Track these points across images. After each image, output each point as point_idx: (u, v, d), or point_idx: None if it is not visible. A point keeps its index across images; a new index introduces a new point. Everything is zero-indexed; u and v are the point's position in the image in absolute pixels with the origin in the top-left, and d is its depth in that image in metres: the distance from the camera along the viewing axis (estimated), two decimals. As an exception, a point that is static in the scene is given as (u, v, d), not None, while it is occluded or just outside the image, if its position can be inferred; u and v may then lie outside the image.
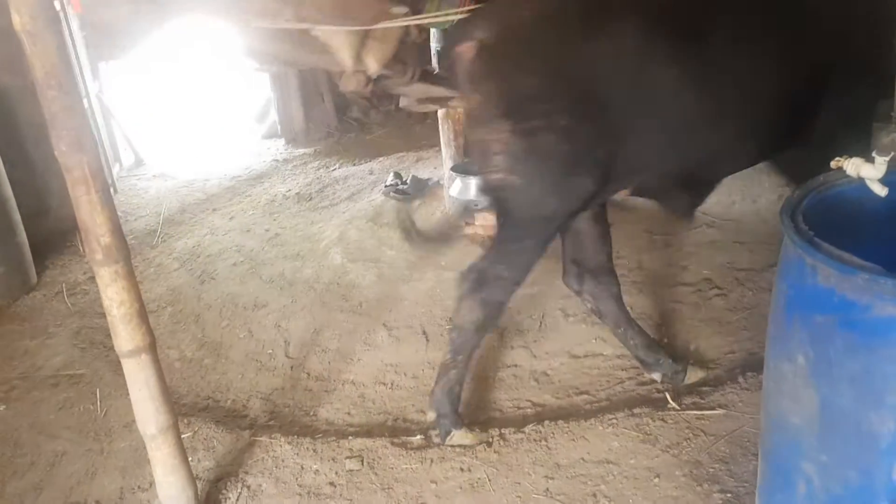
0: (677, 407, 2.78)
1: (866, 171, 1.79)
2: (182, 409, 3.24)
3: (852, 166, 1.80)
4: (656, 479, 2.48)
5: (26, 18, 1.96)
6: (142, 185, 6.17)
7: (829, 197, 1.85)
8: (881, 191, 1.79)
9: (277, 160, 6.56)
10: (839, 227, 1.68)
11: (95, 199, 2.15)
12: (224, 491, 2.69)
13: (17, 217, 4.39)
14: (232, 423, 3.12)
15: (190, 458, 2.62)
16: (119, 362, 2.40)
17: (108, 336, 3.57)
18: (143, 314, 2.33)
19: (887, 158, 1.76)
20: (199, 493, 2.59)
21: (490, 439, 2.76)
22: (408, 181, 5.28)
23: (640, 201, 4.59)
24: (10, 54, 4.95)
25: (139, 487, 2.76)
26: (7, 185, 4.32)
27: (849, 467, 1.58)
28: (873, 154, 1.78)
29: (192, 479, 2.55)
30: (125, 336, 2.31)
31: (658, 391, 2.93)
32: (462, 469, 2.66)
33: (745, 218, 4.23)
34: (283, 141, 7.06)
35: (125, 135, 6.59)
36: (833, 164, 1.85)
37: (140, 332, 2.32)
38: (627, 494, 2.44)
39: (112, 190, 5.91)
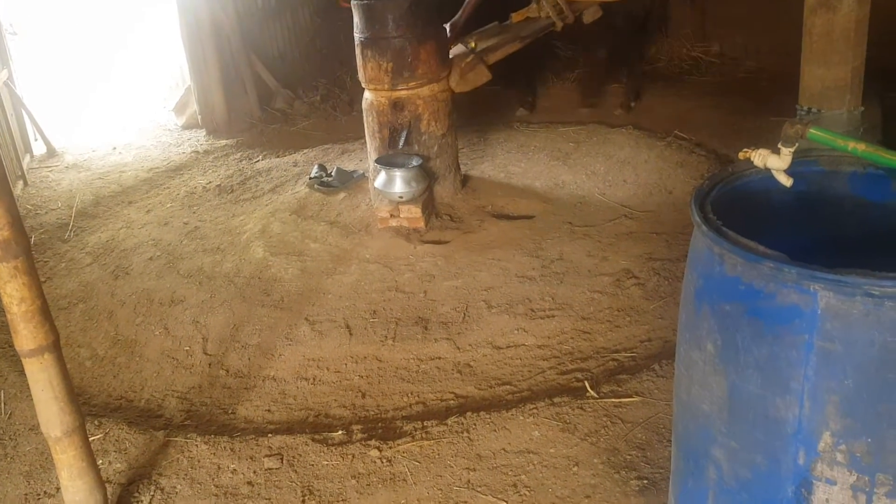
0: (596, 395, 2.82)
1: (772, 162, 1.83)
2: (92, 409, 3.12)
3: (759, 157, 1.84)
4: (575, 468, 2.50)
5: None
6: (54, 177, 5.93)
7: (737, 187, 1.89)
8: (786, 181, 1.84)
9: (198, 151, 6.39)
10: (747, 217, 1.72)
11: (-10, 191, 2.04)
12: (136, 494, 2.60)
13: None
14: (145, 423, 3.02)
15: (100, 461, 2.53)
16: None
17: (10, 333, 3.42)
18: (45, 311, 2.23)
19: (792, 150, 1.81)
20: (108, 496, 2.49)
21: (413, 432, 2.75)
22: (333, 173, 5.21)
23: (562, 193, 4.66)
24: None
25: (45, 493, 2.64)
26: None
27: (757, 452, 1.62)
28: (779, 145, 1.83)
29: (101, 482, 2.46)
30: (26, 335, 2.20)
31: (578, 380, 2.97)
32: (384, 462, 2.64)
33: (662, 209, 4.32)
34: (203, 132, 6.88)
35: (36, 124, 6.31)
36: (741, 154, 1.89)
37: (42, 330, 2.21)
38: (547, 484, 2.46)
39: (22, 182, 5.67)
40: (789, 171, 1.83)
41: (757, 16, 6.70)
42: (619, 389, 2.82)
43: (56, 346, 2.26)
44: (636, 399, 2.76)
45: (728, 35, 7.01)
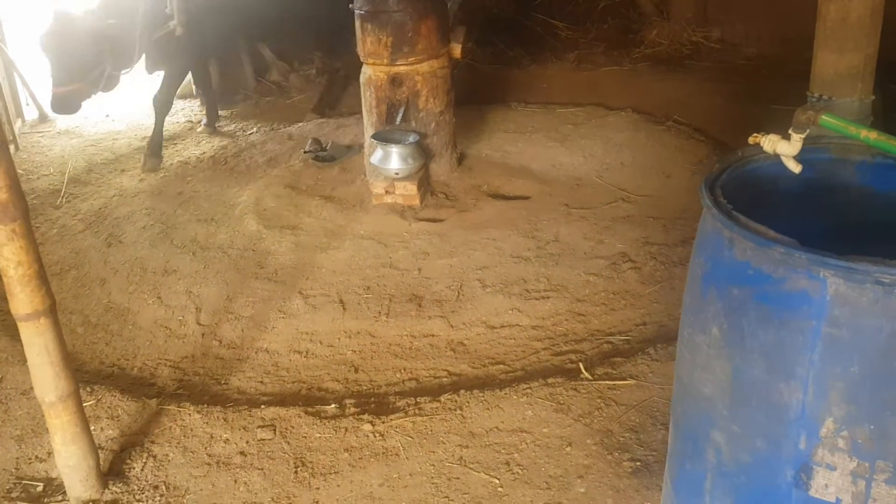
0: (590, 377, 2.83)
1: (782, 148, 1.83)
2: (85, 376, 3.11)
3: (769, 143, 1.84)
4: (568, 448, 2.51)
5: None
6: (46, 143, 5.85)
7: (746, 172, 1.89)
8: (796, 168, 1.83)
9: (192, 122, 6.32)
10: (756, 202, 1.72)
11: (-10, 151, 2.00)
12: (129, 461, 2.59)
13: None
14: (138, 391, 3.01)
15: (93, 427, 2.52)
16: (16, 326, 2.27)
17: (5, 298, 3.40)
18: (42, 276, 2.20)
19: (803, 136, 1.80)
20: (101, 462, 2.49)
21: (406, 408, 2.75)
22: (328, 147, 5.17)
23: (559, 174, 4.65)
24: None
25: (37, 457, 2.63)
26: None
27: (758, 437, 1.62)
28: (789, 131, 1.82)
29: (94, 448, 2.44)
30: (23, 299, 2.17)
31: (572, 362, 2.98)
32: (376, 437, 2.64)
33: (659, 193, 4.32)
34: (198, 102, 6.80)
35: (28, 88, 6.22)
36: (750, 139, 1.88)
37: (39, 294, 2.19)
38: (540, 462, 2.47)
39: (13, 147, 5.59)
40: (798, 158, 1.83)
41: (758, 2, 6.68)
42: (614, 372, 2.83)
43: (52, 311, 2.24)
44: (630, 382, 2.77)
45: (729, 21, 6.98)
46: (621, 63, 6.77)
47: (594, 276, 3.56)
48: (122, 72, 4.94)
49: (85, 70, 4.65)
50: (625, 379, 2.80)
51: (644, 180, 4.48)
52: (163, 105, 5.42)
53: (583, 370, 2.87)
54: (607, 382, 2.78)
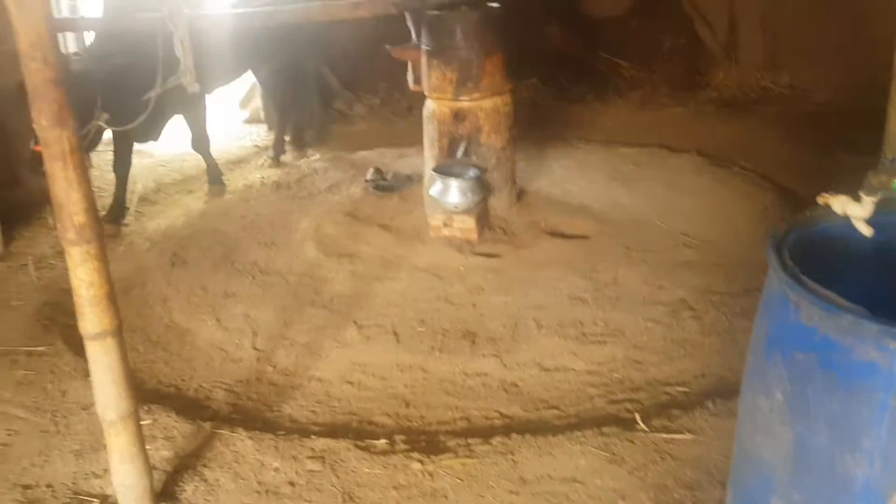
0: (646, 429, 2.78)
1: (853, 210, 1.79)
2: (143, 394, 3.16)
3: (839, 204, 1.81)
4: (621, 502, 2.46)
5: (13, -14, 1.89)
6: (117, 161, 6.04)
7: (814, 233, 1.85)
8: (867, 231, 1.79)
9: (258, 146, 6.48)
10: (825, 264, 1.68)
11: (72, 175, 2.09)
12: (181, 483, 2.63)
13: (-14, 185, 4.29)
14: (193, 413, 3.06)
15: (148, 447, 2.56)
16: (82, 342, 2.34)
17: (72, 314, 3.49)
18: (112, 297, 2.27)
19: (874, 199, 1.77)
20: (154, 483, 2.53)
21: (456, 448, 2.74)
22: (388, 177, 5.23)
23: (619, 215, 4.61)
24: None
25: (93, 473, 2.69)
26: (-23, 153, 4.21)
27: (819, 507, 1.58)
28: (860, 193, 1.78)
29: (149, 468, 2.49)
30: (92, 318, 2.24)
31: (627, 411, 2.93)
32: (425, 476, 2.63)
33: (722, 240, 4.24)
34: (265, 127, 6.96)
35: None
36: (819, 199, 1.85)
37: (108, 315, 2.26)
38: (591, 514, 2.43)
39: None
40: (870, 221, 1.78)
41: (831, 47, 6.55)
42: (671, 424, 2.77)
43: (119, 332, 2.30)
44: (688, 436, 2.71)
45: (799, 66, 6.88)
46: (686, 104, 6.72)
47: (653, 322, 3.50)
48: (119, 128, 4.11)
49: None
50: (682, 432, 2.73)
51: (707, 226, 4.41)
52: (204, 146, 5.42)
53: (639, 421, 2.81)
54: (664, 435, 2.73)
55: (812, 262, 1.65)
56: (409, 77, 4.94)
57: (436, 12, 4.34)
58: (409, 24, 4.58)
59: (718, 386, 3.04)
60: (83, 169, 2.14)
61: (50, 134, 2.05)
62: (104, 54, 4.26)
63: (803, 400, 1.58)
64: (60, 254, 4.28)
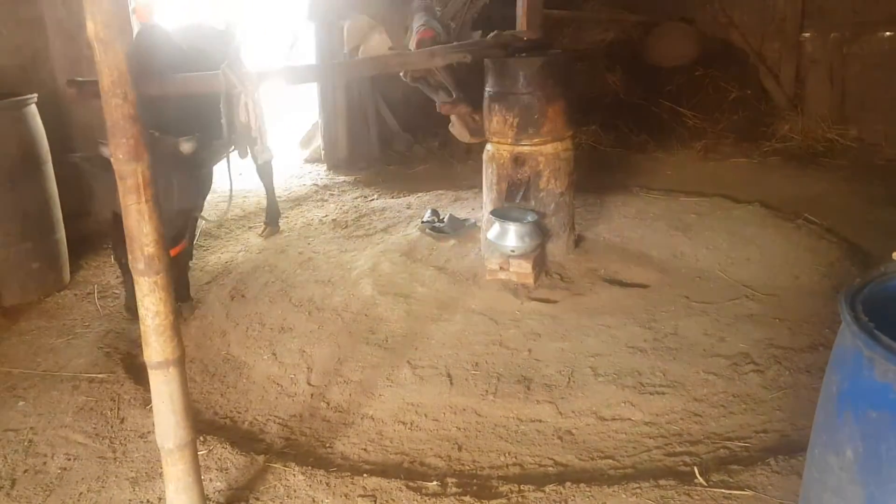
0: (704, 483, 2.69)
1: (930, 266, 1.74)
2: (199, 425, 3.19)
3: (916, 259, 1.75)
4: (678, 557, 2.39)
5: (100, 27, 1.98)
6: (182, 195, 6.21)
7: (889, 287, 1.80)
8: (944, 287, 1.74)
9: (318, 185, 6.59)
10: (897, 321, 1.63)
11: (145, 208, 2.15)
12: (233, 516, 2.64)
13: (59, 215, 4.45)
14: (247, 445, 3.08)
15: (203, 477, 2.58)
16: (143, 371, 2.39)
17: (133, 343, 3.58)
18: (176, 327, 2.32)
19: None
20: (207, 514, 2.55)
21: (509, 494, 2.69)
22: (445, 219, 5.27)
23: (680, 265, 4.55)
24: (72, 57, 5.13)
25: (148, 501, 2.72)
26: (53, 183, 4.38)
27: (892, 573, 1.50)
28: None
29: (204, 499, 2.51)
30: (156, 347, 2.29)
31: (685, 464, 2.84)
32: (477, 522, 2.59)
33: (786, 294, 4.14)
34: (325, 167, 7.10)
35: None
36: (895, 255, 1.81)
37: (171, 344, 2.30)
38: (646, 569, 2.36)
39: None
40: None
41: (901, 102, 6.46)
42: (731, 480, 2.68)
43: (181, 362, 2.34)
44: (748, 493, 2.62)
45: (867, 119, 6.76)
46: (750, 155, 6.64)
47: (713, 375, 3.42)
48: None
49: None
50: (742, 489, 2.64)
51: (770, 279, 4.31)
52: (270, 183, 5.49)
53: (697, 475, 2.73)
54: (723, 491, 2.64)
55: (886, 318, 1.60)
56: (453, 129, 5.00)
57: (500, 58, 4.40)
58: (445, 79, 4.59)
59: (781, 443, 2.93)
60: (156, 202, 2.21)
61: (126, 167, 2.13)
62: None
63: (876, 459, 1.52)
64: (124, 284, 4.44)
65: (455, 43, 4.27)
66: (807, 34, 7.13)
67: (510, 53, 4.46)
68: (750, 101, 7.40)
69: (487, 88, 4.52)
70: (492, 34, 4.49)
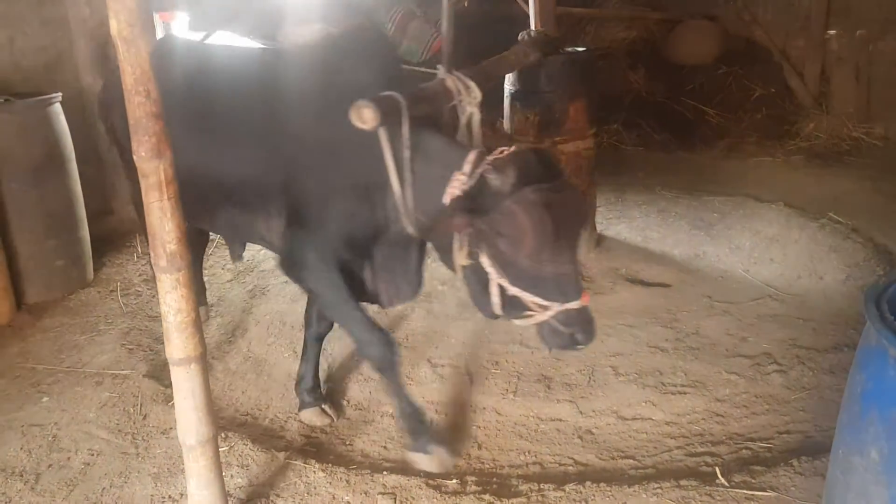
0: (726, 483, 2.67)
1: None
2: (221, 421, 3.22)
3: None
4: (699, 558, 2.37)
5: (123, 25, 2.00)
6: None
7: (915, 286, 1.77)
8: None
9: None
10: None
11: (167, 205, 2.16)
12: (253, 512, 2.66)
13: (83, 213, 4.49)
14: (268, 442, 3.09)
15: (224, 474, 2.59)
16: (165, 367, 2.40)
17: (156, 339, 3.60)
18: (197, 324, 2.33)
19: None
20: (228, 510, 2.56)
21: (529, 493, 2.68)
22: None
23: (702, 264, 4.51)
24: (96, 56, 5.18)
25: (170, 497, 2.74)
26: (77, 182, 4.42)
27: (918, 575, 1.48)
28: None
29: (225, 495, 2.53)
30: (178, 344, 2.30)
31: (707, 465, 2.82)
32: (496, 520, 2.58)
33: (810, 294, 4.10)
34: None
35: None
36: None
37: (193, 341, 2.31)
38: (666, 570, 2.34)
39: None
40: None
41: (928, 99, 6.36)
42: (752, 481, 2.66)
43: (203, 359, 2.36)
44: (770, 494, 2.59)
45: (894, 117, 6.66)
46: (774, 154, 6.57)
47: (735, 375, 3.39)
48: None
49: None
50: (764, 490, 2.61)
51: (794, 278, 4.27)
52: None
53: (719, 475, 2.70)
54: (745, 492, 2.61)
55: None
56: None
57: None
58: None
59: (804, 444, 2.90)
60: (177, 199, 2.22)
61: (148, 165, 2.14)
62: None
63: (902, 460, 1.50)
64: (147, 281, 4.48)
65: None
66: (832, 32, 7.04)
67: (547, 53, 4.42)
68: (774, 99, 7.32)
69: (508, 87, 4.51)
70: (522, 34, 4.46)
